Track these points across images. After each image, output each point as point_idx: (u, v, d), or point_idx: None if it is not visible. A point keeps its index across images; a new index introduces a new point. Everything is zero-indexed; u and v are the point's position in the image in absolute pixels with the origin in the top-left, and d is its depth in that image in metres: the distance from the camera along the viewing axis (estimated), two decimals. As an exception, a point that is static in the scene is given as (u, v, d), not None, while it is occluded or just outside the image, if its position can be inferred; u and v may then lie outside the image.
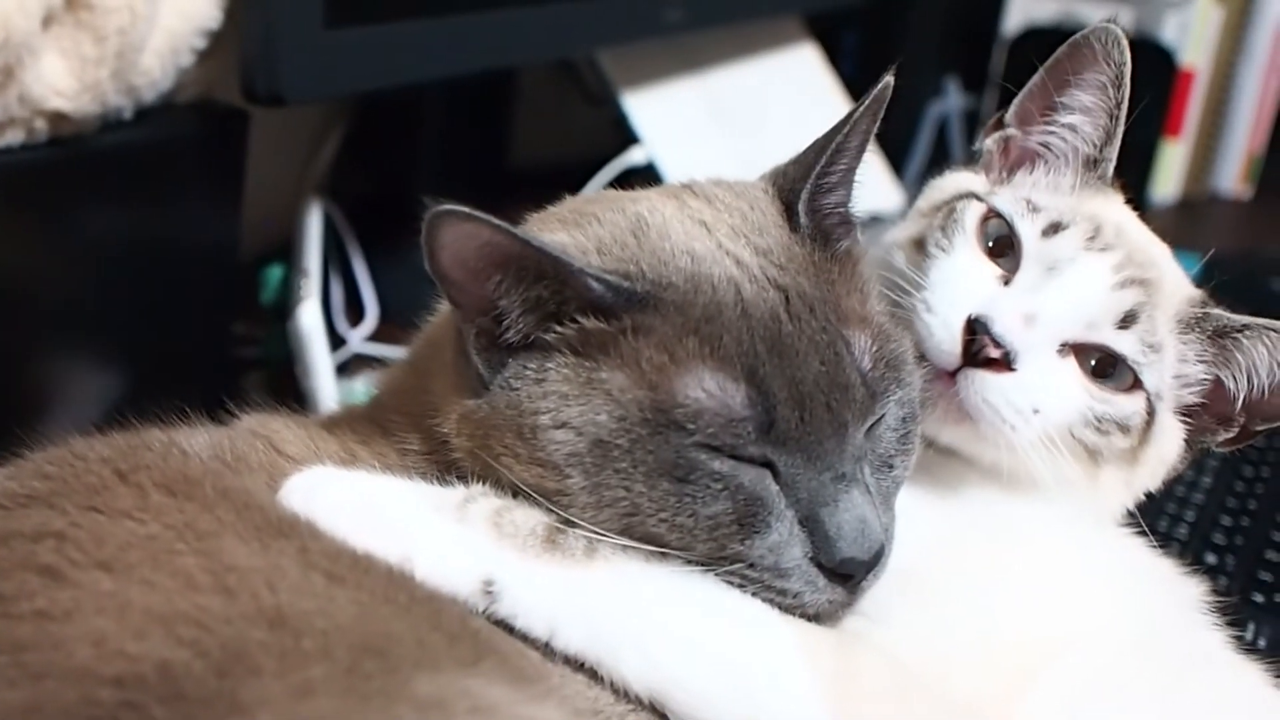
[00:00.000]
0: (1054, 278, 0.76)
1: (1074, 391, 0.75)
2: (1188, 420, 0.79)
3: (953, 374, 0.74)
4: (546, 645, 0.61)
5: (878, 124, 0.70)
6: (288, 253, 1.24)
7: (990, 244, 0.80)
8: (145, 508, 0.59)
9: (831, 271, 0.69)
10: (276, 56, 0.97)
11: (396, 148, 1.46)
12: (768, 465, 0.63)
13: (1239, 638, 0.76)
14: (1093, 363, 0.76)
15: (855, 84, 1.82)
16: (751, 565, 0.63)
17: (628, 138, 1.46)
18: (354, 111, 1.39)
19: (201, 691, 0.48)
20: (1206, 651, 0.74)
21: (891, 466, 0.67)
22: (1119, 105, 0.81)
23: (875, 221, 1.35)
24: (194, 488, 0.61)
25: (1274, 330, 0.76)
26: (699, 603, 0.63)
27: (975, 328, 0.74)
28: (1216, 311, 0.79)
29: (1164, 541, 1.00)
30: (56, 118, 0.88)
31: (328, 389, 1.13)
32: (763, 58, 1.74)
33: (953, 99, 2.15)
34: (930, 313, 0.76)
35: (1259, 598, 0.98)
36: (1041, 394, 0.74)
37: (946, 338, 0.75)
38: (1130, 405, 0.76)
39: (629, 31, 1.42)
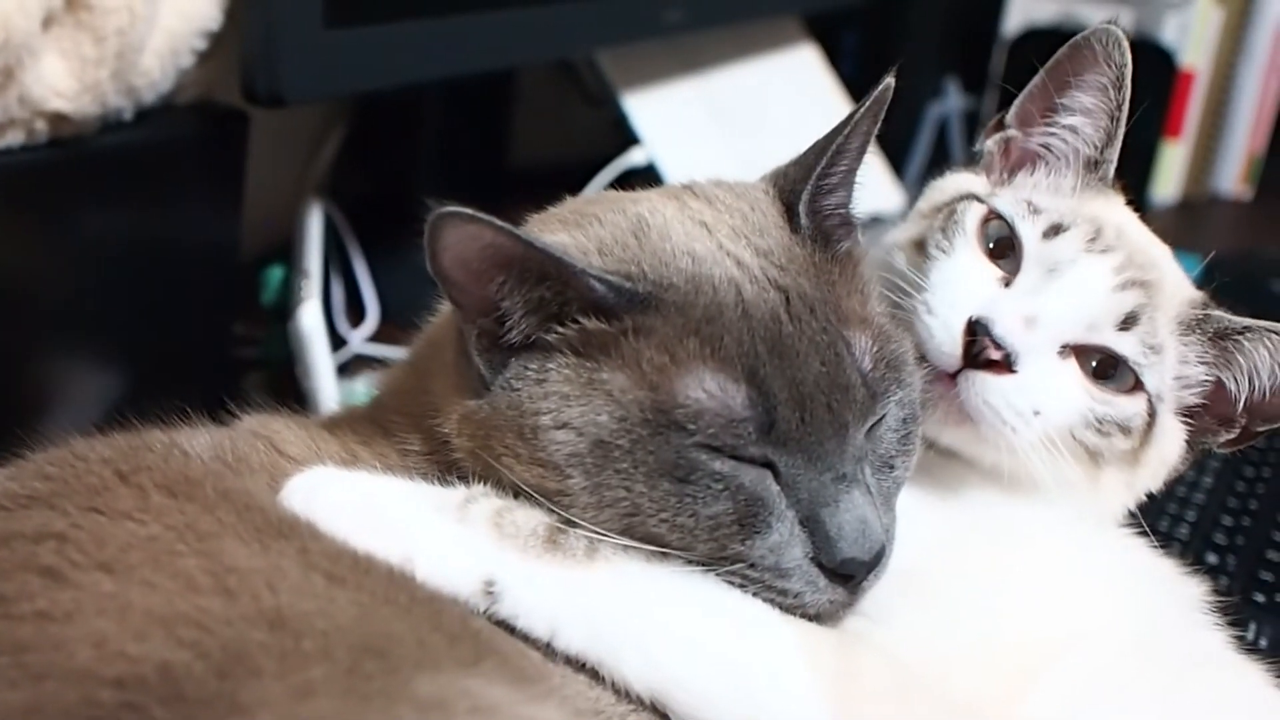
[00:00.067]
0: (1055, 279, 0.76)
1: (1075, 393, 0.75)
2: (1189, 421, 0.79)
3: (953, 376, 0.74)
4: (547, 646, 0.61)
5: (878, 125, 0.70)
6: (288, 253, 1.24)
7: (991, 245, 0.80)
8: (146, 509, 0.59)
9: (832, 272, 0.69)
10: (276, 57, 0.97)
11: (396, 148, 1.46)
12: (768, 466, 0.63)
13: (1240, 638, 0.76)
14: (1094, 364, 0.76)
15: (855, 84, 1.82)
16: (752, 565, 0.63)
17: (628, 138, 1.46)
18: (354, 111, 1.39)
19: (202, 692, 0.48)
20: (1208, 652, 0.74)
21: (892, 467, 0.68)
22: (1120, 106, 0.81)
23: (876, 222, 1.36)
24: (195, 489, 0.61)
25: (1275, 332, 0.76)
26: (700, 603, 0.63)
27: (976, 329, 0.74)
28: (1217, 313, 0.79)
29: (1165, 542, 1.00)
30: (56, 119, 0.88)
31: (328, 390, 1.13)
32: (763, 58, 1.74)
33: (953, 100, 2.16)
34: (931, 314, 0.76)
35: (1260, 598, 0.98)
36: (1042, 396, 0.74)
37: (947, 339, 0.75)
38: (1131, 407, 0.76)
39: (629, 32, 1.42)
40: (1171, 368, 0.77)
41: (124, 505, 0.59)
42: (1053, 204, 0.80)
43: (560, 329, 0.64)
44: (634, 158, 1.44)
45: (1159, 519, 1.06)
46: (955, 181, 0.86)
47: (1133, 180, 0.87)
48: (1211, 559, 1.03)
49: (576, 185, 1.30)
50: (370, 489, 0.66)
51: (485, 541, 0.62)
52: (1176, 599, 0.77)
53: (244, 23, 0.98)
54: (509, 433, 0.64)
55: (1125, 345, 0.75)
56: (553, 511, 0.64)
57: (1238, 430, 0.80)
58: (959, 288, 0.77)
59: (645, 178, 1.34)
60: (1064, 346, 0.75)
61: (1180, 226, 2.04)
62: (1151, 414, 0.76)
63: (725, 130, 1.58)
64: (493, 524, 0.63)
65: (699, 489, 0.62)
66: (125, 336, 1.00)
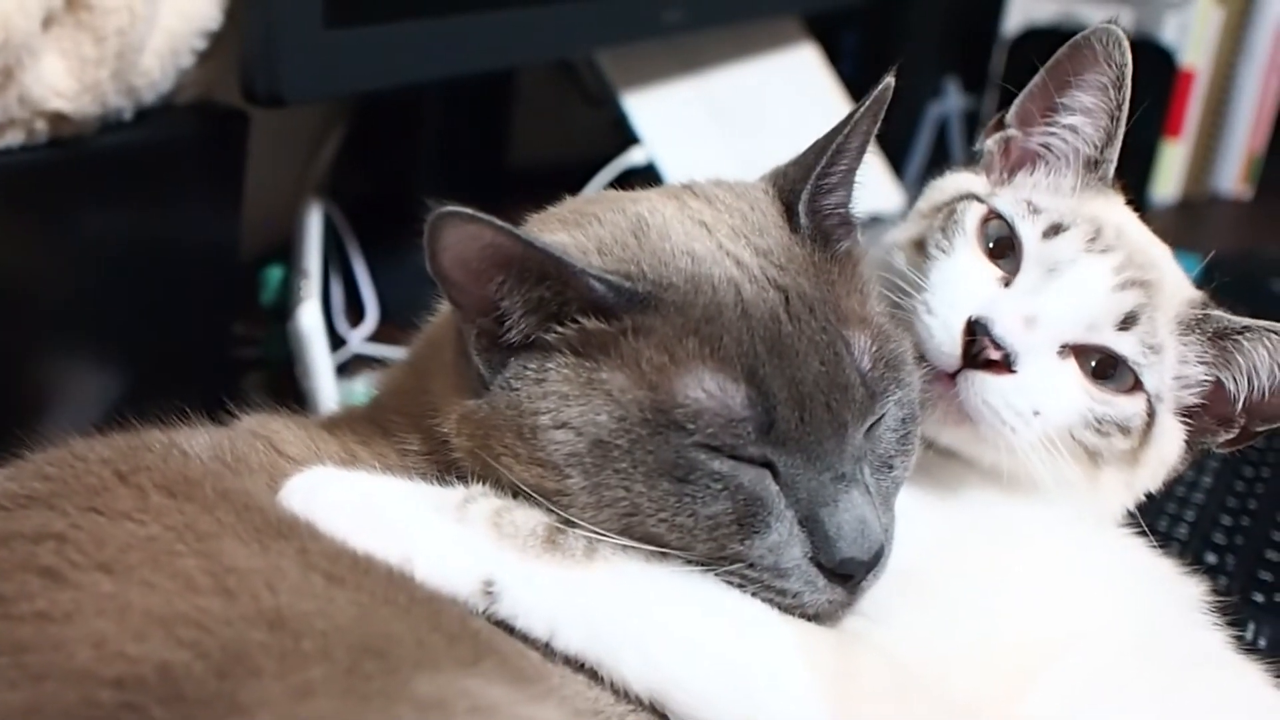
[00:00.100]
0: (1055, 279, 0.76)
1: (1074, 393, 0.75)
2: (1188, 421, 0.79)
3: (953, 375, 0.74)
4: (546, 646, 0.61)
5: (878, 125, 0.70)
6: (288, 253, 1.24)
7: (991, 245, 0.80)
8: (145, 509, 0.59)
9: (831, 272, 0.69)
10: (276, 57, 0.97)
11: (396, 148, 1.46)
12: (767, 465, 0.63)
13: (1239, 638, 0.77)
14: (1093, 364, 0.76)
15: (855, 84, 1.82)
16: (751, 565, 0.63)
17: (627, 138, 1.46)
18: (354, 111, 1.39)
19: (201, 693, 0.48)
20: (1207, 652, 0.74)
21: (891, 467, 0.68)
22: (1120, 106, 0.81)
23: (875, 222, 1.35)
24: (194, 489, 0.61)
25: (1274, 332, 0.76)
26: (699, 603, 0.63)
27: (975, 329, 0.74)
28: (1217, 313, 0.79)
29: (1164, 542, 1.00)
30: (56, 118, 0.88)
31: (328, 390, 1.13)
32: (762, 58, 1.74)
33: (952, 99, 2.16)
34: (930, 314, 0.76)
35: (1259, 597, 0.98)
36: (1042, 396, 0.74)
37: (947, 339, 0.75)
38: (1131, 407, 0.76)
39: (629, 32, 1.42)
40: (1171, 368, 0.77)
41: (123, 505, 0.59)
42: (1053, 204, 0.80)
43: (560, 329, 0.64)
44: (634, 157, 1.44)
45: (1158, 519, 1.06)
46: (955, 181, 0.86)
47: (1132, 180, 0.87)
48: (1210, 559, 1.03)
49: (576, 185, 1.30)
50: (369, 489, 0.66)
51: (484, 541, 0.62)
52: (1176, 599, 0.77)
53: (244, 23, 0.98)
54: (508, 432, 0.64)
55: (1125, 345, 0.75)
56: (552, 511, 0.64)
57: (1237, 430, 0.80)
58: (958, 287, 0.77)
59: (645, 177, 1.33)
60: (1063, 346, 0.75)
61: (1180, 226, 2.04)
62: (1151, 414, 0.76)
63: (725, 130, 1.58)
64: (492, 524, 0.63)
65: (698, 489, 0.62)
66: (125, 336, 1.00)
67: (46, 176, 0.90)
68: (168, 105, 0.99)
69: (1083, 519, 0.78)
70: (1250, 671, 0.73)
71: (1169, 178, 2.15)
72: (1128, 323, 0.76)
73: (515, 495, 0.65)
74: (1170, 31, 2.02)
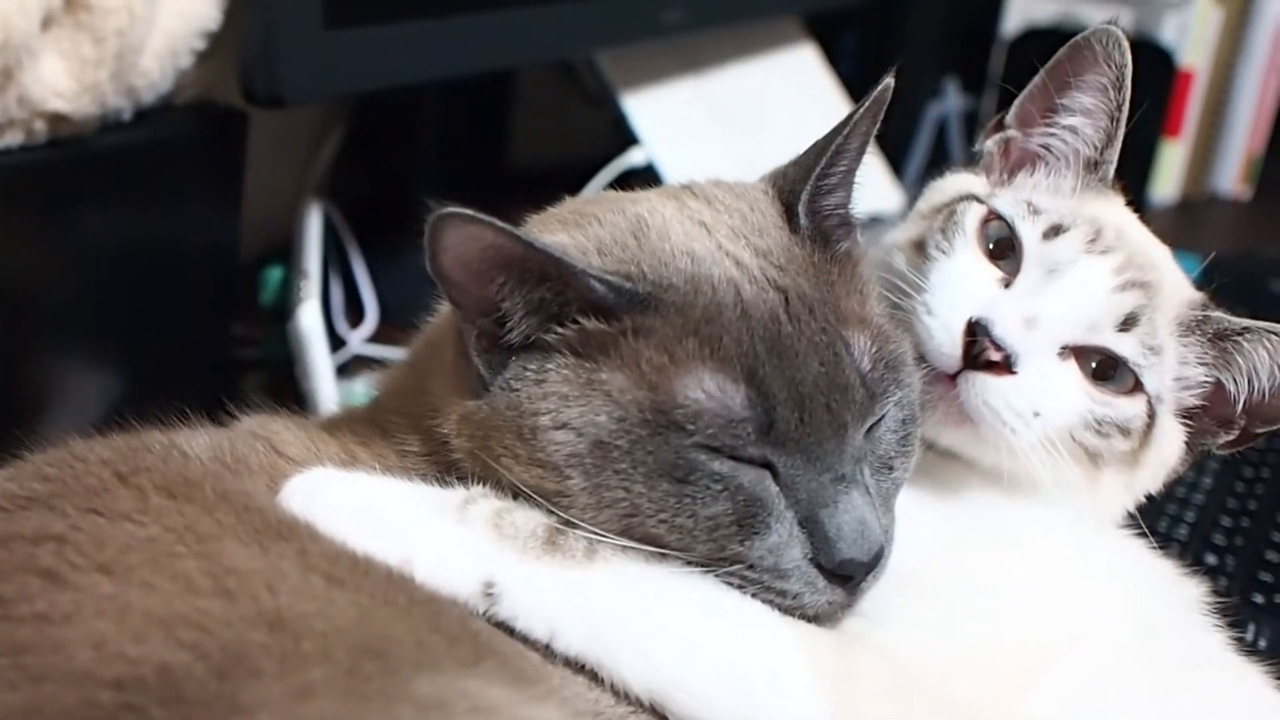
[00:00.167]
0: (1055, 280, 0.76)
1: (1074, 394, 0.75)
2: (1188, 423, 0.79)
3: (953, 377, 0.74)
4: (547, 647, 0.61)
5: (877, 125, 0.70)
6: (287, 254, 1.24)
7: (991, 246, 0.80)
8: (145, 510, 0.59)
9: (831, 273, 0.69)
10: (276, 57, 0.97)
11: (396, 148, 1.46)
12: (767, 466, 0.63)
13: (1239, 639, 0.77)
14: (1093, 365, 0.76)
15: (854, 84, 1.82)
16: (751, 566, 0.63)
17: (627, 139, 1.45)
18: (354, 112, 1.39)
19: (201, 694, 0.48)
20: (1207, 653, 0.74)
21: (891, 468, 0.68)
22: (1120, 107, 0.81)
23: (875, 223, 1.35)
24: (194, 490, 0.61)
25: (1274, 333, 0.76)
26: (699, 604, 0.63)
27: (976, 330, 0.74)
28: (1217, 314, 0.79)
29: (1164, 543, 1.00)
30: (56, 119, 0.88)
31: (327, 390, 1.13)
32: (762, 58, 1.74)
33: (952, 100, 2.16)
34: (930, 315, 0.76)
35: (1259, 599, 0.98)
36: (1042, 397, 0.74)
37: (947, 340, 0.75)
38: (1131, 408, 0.76)
39: (628, 32, 1.42)
40: (1171, 369, 0.77)
41: (123, 507, 0.59)
42: (1053, 205, 0.80)
43: (560, 329, 0.64)
44: (633, 158, 1.44)
45: (1158, 520, 1.06)
46: (955, 182, 0.86)
47: (1132, 180, 0.87)
48: (1210, 560, 1.03)
49: (576, 185, 1.30)
50: (369, 490, 0.66)
51: (484, 543, 0.62)
52: (1175, 600, 0.77)
53: (243, 23, 0.98)
54: (508, 433, 0.64)
55: (1125, 346, 0.75)
56: (552, 512, 0.64)
57: (1237, 431, 0.80)
58: (959, 288, 0.77)
59: (644, 178, 1.34)
60: (1064, 348, 0.75)
61: (1179, 226, 2.04)
62: (1151, 415, 0.76)
63: (724, 130, 1.58)
64: (492, 525, 0.63)
65: (698, 489, 0.62)
66: (125, 336, 1.00)
67: (46, 177, 0.90)
68: (167, 106, 0.99)
69: (1083, 520, 0.78)
70: (1250, 673, 0.73)
71: (1168, 178, 2.15)
72: (1128, 324, 0.76)
73: (515, 496, 0.65)
74: (1170, 32, 2.02)
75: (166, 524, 0.58)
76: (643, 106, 1.48)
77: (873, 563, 0.64)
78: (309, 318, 1.15)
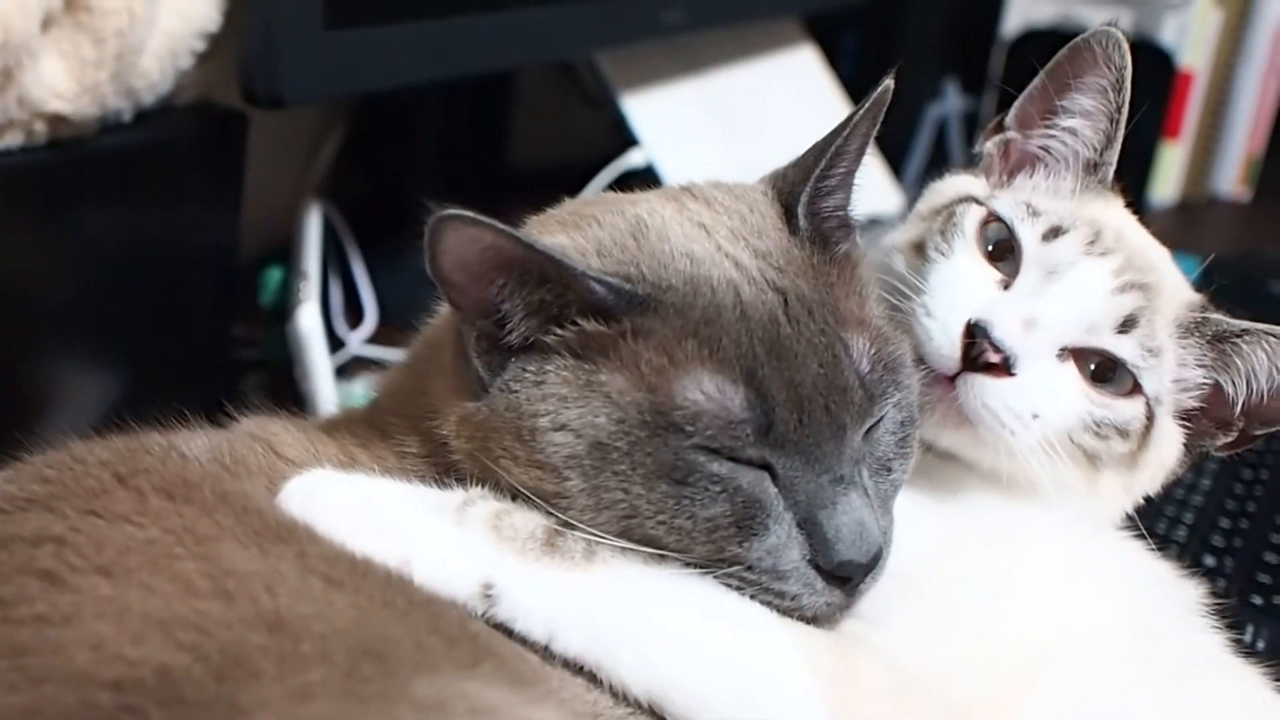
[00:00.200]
0: (1054, 282, 0.76)
1: (1073, 396, 0.75)
2: (1187, 424, 0.79)
3: (952, 378, 0.74)
4: (546, 648, 0.61)
5: (877, 127, 0.70)
6: (287, 255, 1.24)
7: (990, 248, 0.80)
8: (144, 512, 0.59)
9: (830, 274, 0.69)
10: (276, 58, 0.97)
11: (396, 149, 1.46)
12: (766, 468, 0.63)
13: (1238, 640, 0.77)
14: (1092, 367, 0.76)
15: (854, 85, 1.82)
16: (750, 568, 0.63)
17: (627, 140, 1.46)
18: (353, 113, 1.39)
19: (200, 695, 0.48)
20: (1205, 654, 0.74)
21: (890, 469, 0.68)
22: (1119, 109, 0.81)
23: (874, 224, 1.35)
24: (193, 492, 0.61)
25: (1273, 335, 0.76)
26: (697, 605, 0.63)
27: (975, 332, 0.74)
28: (1216, 316, 0.79)
29: (1162, 544, 1.00)
30: (56, 120, 0.88)
31: (327, 391, 1.13)
32: (762, 59, 1.74)
33: (952, 101, 2.16)
34: (929, 317, 0.76)
35: (1258, 600, 0.98)
36: (1041, 399, 0.74)
37: (946, 342, 0.75)
38: (1130, 410, 0.76)
39: (628, 33, 1.42)
40: (1170, 371, 0.77)
41: (122, 508, 0.59)
42: (1052, 206, 0.80)
43: (559, 331, 0.64)
44: (633, 159, 1.44)
45: (1157, 521, 1.06)
46: (954, 184, 0.86)
47: (1131, 181, 0.87)
48: (1209, 561, 1.03)
49: (575, 187, 1.30)
50: (368, 491, 0.66)
51: (483, 544, 0.62)
52: (1174, 602, 0.77)
53: (243, 24, 0.98)
54: (507, 435, 0.64)
55: (1124, 348, 0.75)
56: (551, 514, 0.64)
57: (1235, 433, 0.80)
58: (958, 290, 0.77)
59: (644, 179, 1.33)
60: (1063, 349, 0.75)
61: (1179, 228, 2.04)
62: (1150, 417, 0.76)
63: (724, 131, 1.58)
64: (491, 526, 0.63)
65: (697, 491, 0.62)
66: (124, 337, 1.00)
67: (46, 178, 0.90)
68: (167, 106, 0.99)
69: (1082, 522, 0.78)
70: (1249, 674, 0.73)
71: (1168, 179, 2.15)
72: (1127, 326, 0.76)
73: (514, 498, 0.65)
74: (1169, 33, 2.02)
75: (166, 526, 0.58)
76: (642, 107, 1.48)
77: (871, 564, 0.64)
78: (308, 319, 1.15)
